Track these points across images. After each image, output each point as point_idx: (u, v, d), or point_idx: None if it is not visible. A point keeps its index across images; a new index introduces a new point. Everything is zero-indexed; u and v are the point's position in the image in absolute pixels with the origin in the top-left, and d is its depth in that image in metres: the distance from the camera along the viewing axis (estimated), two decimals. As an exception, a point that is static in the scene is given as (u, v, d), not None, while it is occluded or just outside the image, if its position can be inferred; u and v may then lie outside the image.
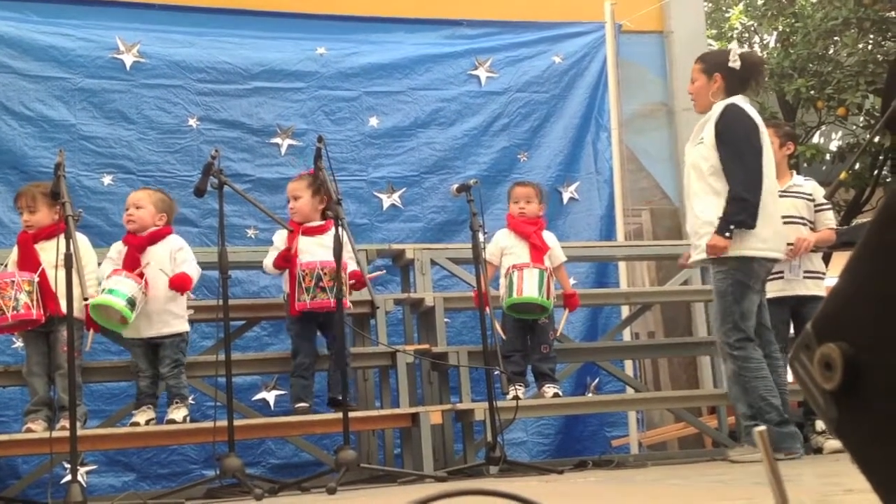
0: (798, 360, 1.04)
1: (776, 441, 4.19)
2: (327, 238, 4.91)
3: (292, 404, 4.98)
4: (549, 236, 5.45)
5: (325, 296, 4.63)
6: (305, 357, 4.93)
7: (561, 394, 5.27)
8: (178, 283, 4.71)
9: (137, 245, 4.77)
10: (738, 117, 4.41)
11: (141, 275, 4.63)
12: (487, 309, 4.72)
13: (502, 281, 5.16)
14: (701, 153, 4.46)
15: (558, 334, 5.44)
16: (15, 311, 4.36)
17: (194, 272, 4.82)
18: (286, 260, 4.88)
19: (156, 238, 4.81)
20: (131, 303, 4.52)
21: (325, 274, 4.63)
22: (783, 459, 4.12)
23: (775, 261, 4.54)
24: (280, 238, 5.02)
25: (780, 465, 0.91)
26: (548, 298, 5.05)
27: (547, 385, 5.23)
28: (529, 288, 5.01)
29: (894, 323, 0.93)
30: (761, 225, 4.33)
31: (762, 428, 0.87)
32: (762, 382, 4.30)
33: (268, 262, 4.99)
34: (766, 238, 4.36)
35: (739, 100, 4.49)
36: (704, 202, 4.43)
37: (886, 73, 7.80)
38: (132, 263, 4.72)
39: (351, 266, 4.70)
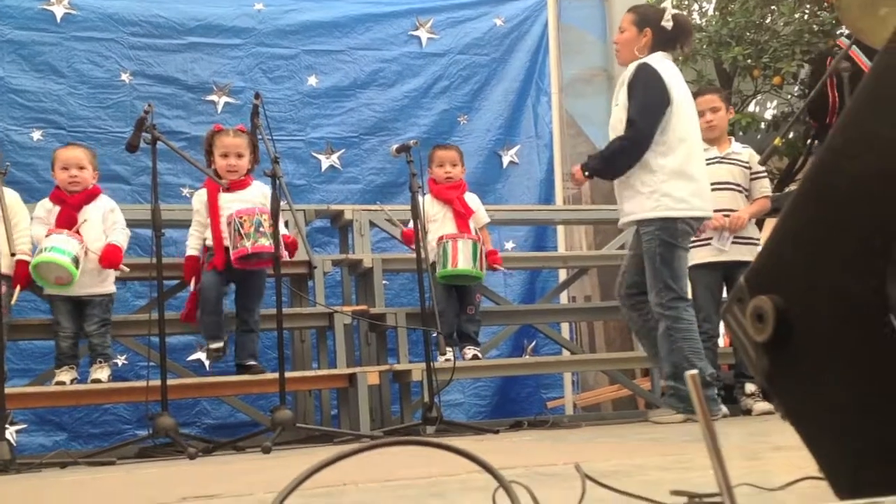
0: (731, 313, 1.06)
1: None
2: (248, 193, 4.87)
3: (207, 344, 4.90)
4: (471, 198, 5.47)
5: (265, 241, 4.50)
6: (212, 315, 4.83)
7: (480, 356, 5.30)
8: (109, 260, 4.64)
9: (75, 204, 4.72)
10: (646, 76, 4.36)
11: (79, 232, 4.58)
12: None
13: (434, 250, 5.14)
14: (617, 115, 4.48)
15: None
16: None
17: (123, 239, 4.80)
18: (193, 273, 4.85)
19: (91, 196, 4.80)
20: (76, 261, 4.46)
21: (264, 220, 4.50)
22: None
23: (702, 219, 4.52)
24: (199, 201, 4.93)
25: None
26: (481, 269, 5.09)
27: (468, 347, 5.27)
28: (464, 260, 5.02)
29: (821, 271, 0.94)
30: (676, 186, 4.33)
31: (694, 372, 0.87)
32: (688, 344, 4.33)
33: (189, 242, 4.95)
34: (684, 199, 4.34)
35: (658, 57, 4.45)
36: None
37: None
38: (68, 221, 4.65)
39: (282, 230, 4.63)
